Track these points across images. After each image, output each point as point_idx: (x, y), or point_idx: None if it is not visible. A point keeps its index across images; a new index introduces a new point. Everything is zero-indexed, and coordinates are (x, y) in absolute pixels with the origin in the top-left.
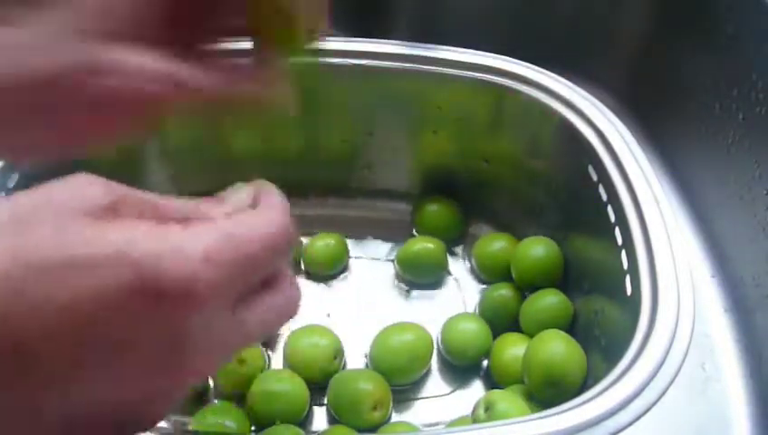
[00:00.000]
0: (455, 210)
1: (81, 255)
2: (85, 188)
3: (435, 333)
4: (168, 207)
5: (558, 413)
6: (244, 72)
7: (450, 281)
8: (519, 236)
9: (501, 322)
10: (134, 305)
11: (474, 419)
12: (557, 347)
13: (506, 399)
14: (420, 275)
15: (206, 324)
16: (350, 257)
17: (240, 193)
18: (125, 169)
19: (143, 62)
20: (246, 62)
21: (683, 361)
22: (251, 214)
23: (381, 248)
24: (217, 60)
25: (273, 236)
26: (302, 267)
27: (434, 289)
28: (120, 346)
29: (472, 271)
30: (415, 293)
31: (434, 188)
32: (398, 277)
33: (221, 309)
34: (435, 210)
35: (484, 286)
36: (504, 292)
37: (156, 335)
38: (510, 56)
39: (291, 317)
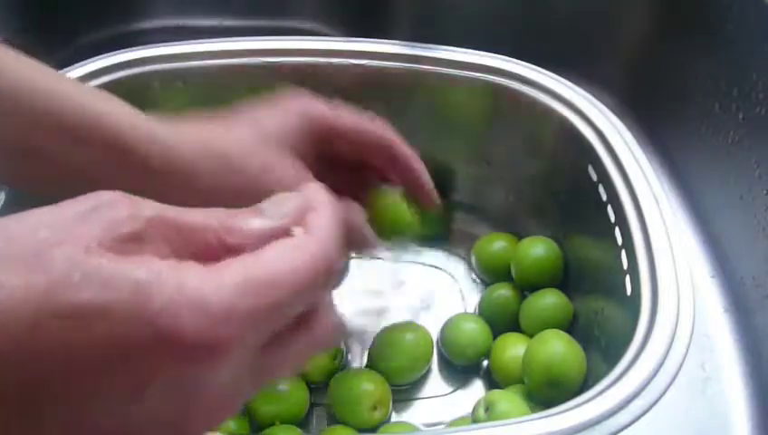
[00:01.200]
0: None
1: (95, 301)
2: (107, 211)
3: (435, 333)
4: (195, 229)
5: (558, 413)
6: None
7: (450, 282)
8: (519, 236)
9: (501, 322)
10: (147, 359)
11: (474, 419)
12: (557, 347)
13: (506, 399)
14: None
15: (224, 377)
16: (350, 257)
17: (282, 206)
18: None
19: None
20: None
21: (683, 361)
22: (285, 244)
23: (381, 248)
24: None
25: (310, 273)
26: None
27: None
28: (130, 398)
29: (472, 271)
30: (415, 292)
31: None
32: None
33: (242, 360)
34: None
35: (485, 286)
36: (503, 292)
37: (168, 390)
38: (510, 56)
39: (323, 349)
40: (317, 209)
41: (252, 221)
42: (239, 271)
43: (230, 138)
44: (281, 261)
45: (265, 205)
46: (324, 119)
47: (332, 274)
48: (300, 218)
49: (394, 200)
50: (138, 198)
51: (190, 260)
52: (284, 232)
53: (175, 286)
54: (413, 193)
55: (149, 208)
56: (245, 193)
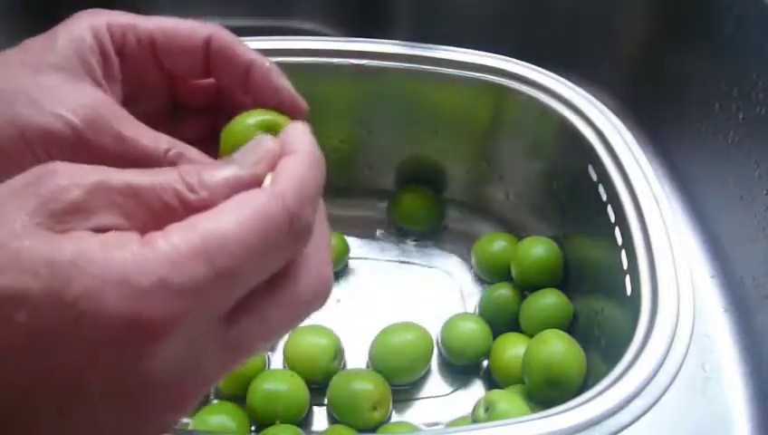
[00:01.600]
0: (432, 200)
1: (11, 287)
2: (45, 183)
3: (435, 333)
4: (148, 190)
5: (558, 413)
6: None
7: (450, 282)
8: (519, 236)
9: (501, 322)
10: (75, 349)
11: (474, 419)
12: (557, 347)
13: (506, 399)
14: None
15: (173, 355)
16: (350, 257)
17: (253, 153)
18: None
19: (79, 97)
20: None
21: (683, 361)
22: (239, 203)
23: (381, 248)
24: (165, 136)
25: (267, 233)
26: None
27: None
28: (71, 391)
29: (472, 271)
30: (414, 292)
31: (433, 188)
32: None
33: (195, 335)
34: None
35: (484, 286)
36: (503, 292)
37: (109, 381)
38: (510, 56)
39: (314, 309)
40: (291, 154)
41: (216, 173)
42: (182, 236)
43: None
44: (229, 221)
45: (237, 154)
46: (116, 29)
47: (300, 230)
48: (272, 164)
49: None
50: (84, 166)
51: (139, 229)
52: (256, 183)
53: (100, 265)
54: (267, 103)
55: (94, 174)
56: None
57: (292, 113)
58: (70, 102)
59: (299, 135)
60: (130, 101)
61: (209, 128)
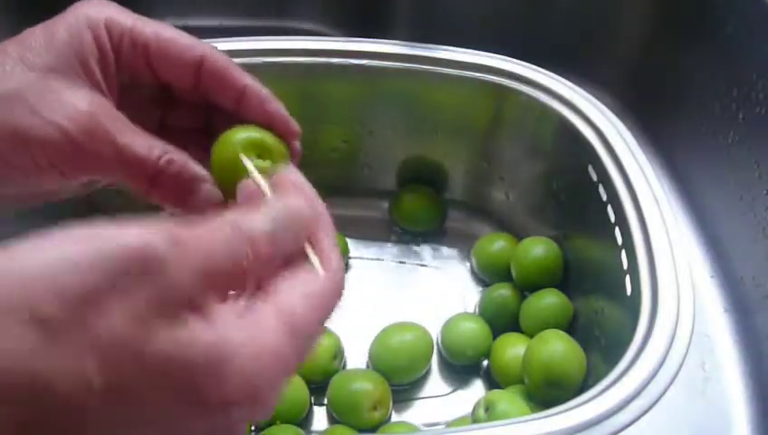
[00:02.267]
0: (433, 199)
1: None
2: (159, 277)
3: (435, 333)
4: (228, 273)
5: (558, 413)
6: (183, 167)
7: (450, 282)
8: (519, 236)
9: (501, 322)
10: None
11: (474, 419)
12: (557, 347)
13: (506, 399)
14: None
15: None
16: (350, 257)
17: (294, 229)
18: None
19: (77, 102)
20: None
21: (683, 361)
22: (316, 296)
23: (381, 248)
24: (160, 142)
25: (331, 312)
26: None
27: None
28: None
29: (472, 271)
30: (415, 292)
31: (434, 188)
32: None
33: None
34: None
35: (484, 286)
36: (504, 292)
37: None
38: (510, 56)
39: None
40: (325, 235)
41: (270, 252)
42: (284, 337)
43: None
44: (315, 311)
45: (277, 228)
46: (114, 28)
47: (337, 305)
48: (309, 235)
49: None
50: (180, 238)
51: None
52: (301, 254)
53: (248, 358)
54: (260, 121)
55: (194, 261)
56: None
57: (285, 135)
58: (68, 109)
59: (320, 203)
60: (124, 90)
61: (201, 118)
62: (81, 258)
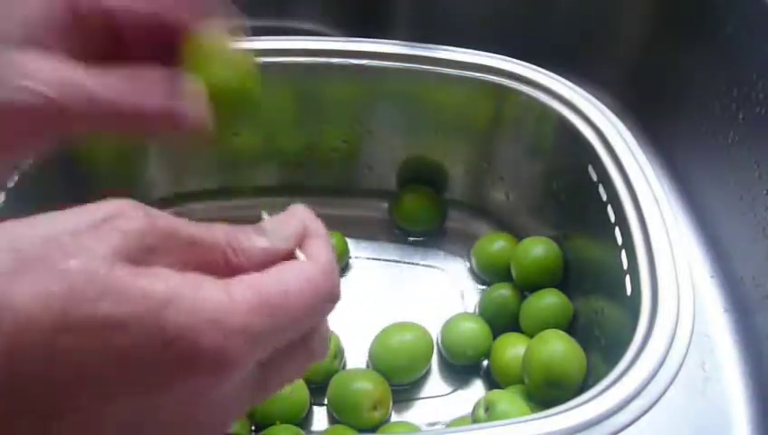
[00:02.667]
0: (433, 200)
1: (113, 315)
2: (123, 222)
3: (435, 333)
4: (205, 246)
5: (558, 413)
6: (157, 84)
7: (450, 282)
8: (519, 236)
9: (501, 322)
10: (163, 372)
11: (474, 419)
12: (557, 347)
13: (506, 399)
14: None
15: (228, 390)
16: (350, 257)
17: (283, 229)
18: (125, 169)
19: (44, 67)
20: (159, 75)
21: (683, 361)
22: (294, 269)
23: (382, 248)
24: (128, 71)
25: (316, 298)
26: None
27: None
28: (143, 410)
29: (472, 271)
30: (415, 292)
31: (434, 188)
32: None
33: (246, 375)
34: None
35: (484, 286)
36: (503, 292)
37: (179, 402)
38: (510, 56)
39: (317, 361)
40: (316, 237)
41: (257, 241)
42: (254, 290)
43: None
44: (292, 284)
45: (268, 226)
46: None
47: (334, 300)
48: (299, 242)
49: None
50: (150, 209)
51: (200, 274)
52: (288, 255)
53: (192, 301)
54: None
55: (163, 221)
56: None
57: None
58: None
59: (315, 221)
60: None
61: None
62: (56, 214)
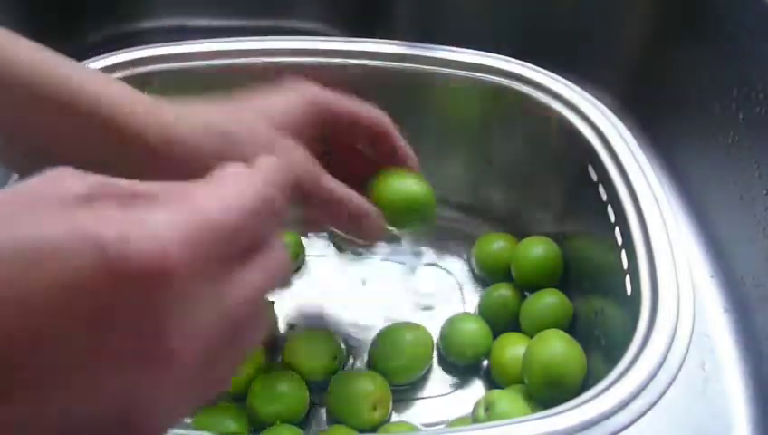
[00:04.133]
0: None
1: (45, 236)
2: (61, 178)
3: (435, 333)
4: (149, 192)
5: (558, 413)
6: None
7: (450, 282)
8: (519, 236)
9: (501, 322)
10: (102, 288)
11: (474, 419)
12: (557, 347)
13: (506, 399)
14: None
15: (183, 304)
16: (350, 257)
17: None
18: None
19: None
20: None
21: (683, 361)
22: (233, 175)
23: (382, 248)
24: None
25: (255, 202)
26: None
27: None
28: (94, 339)
29: (472, 271)
30: (415, 292)
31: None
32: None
33: (198, 285)
34: None
35: (484, 286)
36: (503, 292)
37: (131, 320)
38: (510, 56)
39: (278, 282)
40: (265, 157)
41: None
42: (190, 206)
43: (232, 118)
44: (230, 193)
45: (215, 172)
46: (328, 105)
47: (275, 211)
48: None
49: (399, 180)
50: (91, 174)
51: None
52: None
53: (126, 220)
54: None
55: (102, 178)
56: None
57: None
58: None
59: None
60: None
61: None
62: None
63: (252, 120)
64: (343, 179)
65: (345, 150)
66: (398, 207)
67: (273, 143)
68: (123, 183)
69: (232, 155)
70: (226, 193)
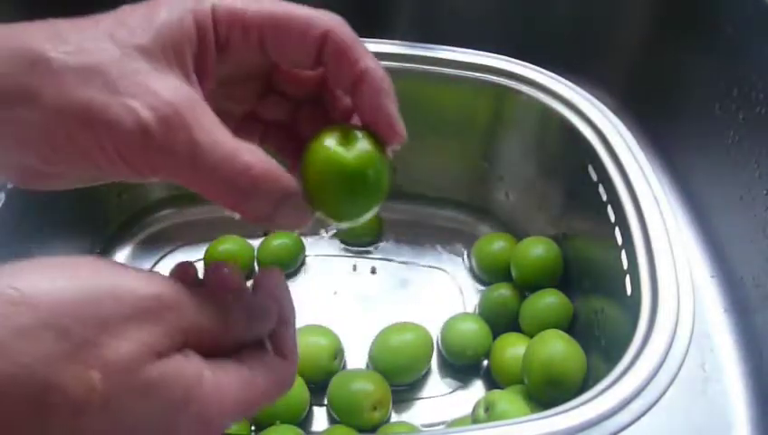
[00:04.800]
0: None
1: (143, 411)
2: (161, 320)
3: (435, 333)
4: (209, 332)
5: (558, 413)
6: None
7: (450, 281)
8: (519, 236)
9: (501, 322)
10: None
11: (474, 419)
12: (557, 347)
13: (506, 399)
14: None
15: None
16: (350, 258)
17: (266, 322)
18: None
19: (167, 86)
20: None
21: (683, 361)
22: (269, 373)
23: (382, 248)
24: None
25: (278, 392)
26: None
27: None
28: None
29: (472, 271)
30: (415, 292)
31: (435, 188)
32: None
33: None
34: None
35: (485, 286)
36: (504, 292)
37: None
38: (510, 56)
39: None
40: (289, 330)
41: (243, 336)
42: (236, 393)
43: (60, 39)
44: (263, 390)
45: (253, 313)
46: (222, 14)
47: (289, 387)
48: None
49: (327, 139)
50: (184, 301)
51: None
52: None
53: (197, 400)
54: (367, 119)
55: (191, 317)
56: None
57: (386, 137)
58: (148, 96)
59: (291, 304)
60: (222, 85)
61: (293, 112)
62: (105, 289)
63: (95, 40)
64: (284, 145)
65: (286, 96)
66: (316, 181)
67: (124, 76)
68: (202, 326)
69: (47, 92)
70: (261, 394)
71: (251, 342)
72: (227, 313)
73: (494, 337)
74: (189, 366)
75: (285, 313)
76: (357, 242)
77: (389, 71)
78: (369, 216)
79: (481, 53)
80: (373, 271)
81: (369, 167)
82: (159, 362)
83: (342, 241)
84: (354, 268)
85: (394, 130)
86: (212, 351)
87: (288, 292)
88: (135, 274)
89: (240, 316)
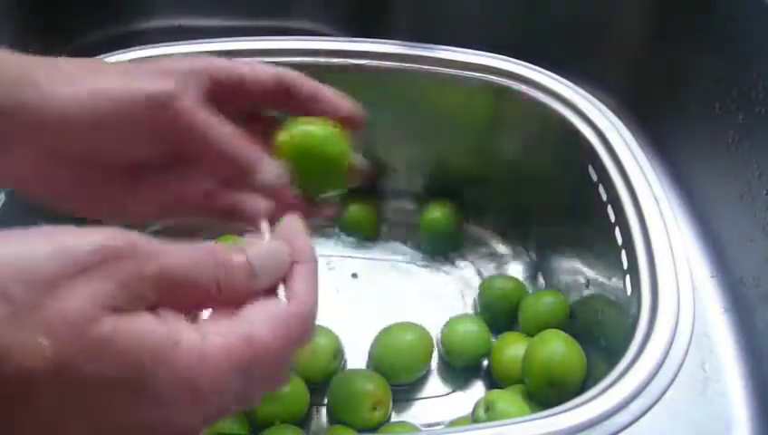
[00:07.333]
0: (455, 214)
1: (100, 374)
2: (114, 270)
3: (435, 333)
4: (191, 284)
5: (558, 413)
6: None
7: (450, 281)
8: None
9: (501, 314)
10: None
11: (474, 419)
12: (557, 347)
13: (506, 399)
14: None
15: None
16: (350, 257)
17: (269, 265)
18: None
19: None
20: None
21: (683, 361)
22: (274, 320)
23: (382, 248)
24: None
25: (287, 344)
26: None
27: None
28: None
29: (472, 271)
30: (415, 292)
31: (434, 188)
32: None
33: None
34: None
35: (484, 287)
36: (503, 283)
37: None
38: (510, 56)
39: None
40: (301, 267)
41: (243, 279)
42: (225, 347)
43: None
44: (268, 335)
45: (255, 260)
46: (226, 73)
47: (305, 342)
48: (284, 275)
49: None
50: (141, 243)
51: (177, 307)
52: (272, 291)
53: (172, 364)
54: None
55: (154, 265)
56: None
57: (335, 114)
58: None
59: (305, 243)
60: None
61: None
62: (45, 251)
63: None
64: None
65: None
66: (290, 152)
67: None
68: (173, 275)
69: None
70: (266, 340)
71: (264, 290)
72: (206, 258)
73: (494, 331)
74: (159, 327)
75: (297, 252)
76: (357, 242)
77: (389, 71)
78: (335, 186)
79: (480, 53)
80: (373, 271)
81: (325, 144)
82: (114, 317)
83: (342, 241)
84: (354, 268)
85: (355, 122)
86: (202, 304)
87: (302, 232)
88: (79, 231)
89: (240, 266)
